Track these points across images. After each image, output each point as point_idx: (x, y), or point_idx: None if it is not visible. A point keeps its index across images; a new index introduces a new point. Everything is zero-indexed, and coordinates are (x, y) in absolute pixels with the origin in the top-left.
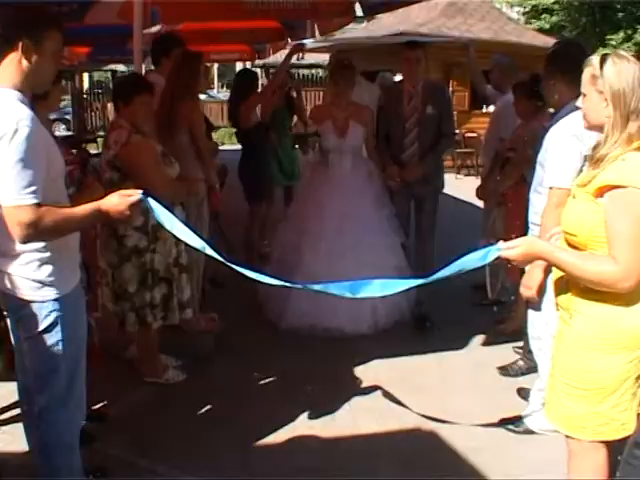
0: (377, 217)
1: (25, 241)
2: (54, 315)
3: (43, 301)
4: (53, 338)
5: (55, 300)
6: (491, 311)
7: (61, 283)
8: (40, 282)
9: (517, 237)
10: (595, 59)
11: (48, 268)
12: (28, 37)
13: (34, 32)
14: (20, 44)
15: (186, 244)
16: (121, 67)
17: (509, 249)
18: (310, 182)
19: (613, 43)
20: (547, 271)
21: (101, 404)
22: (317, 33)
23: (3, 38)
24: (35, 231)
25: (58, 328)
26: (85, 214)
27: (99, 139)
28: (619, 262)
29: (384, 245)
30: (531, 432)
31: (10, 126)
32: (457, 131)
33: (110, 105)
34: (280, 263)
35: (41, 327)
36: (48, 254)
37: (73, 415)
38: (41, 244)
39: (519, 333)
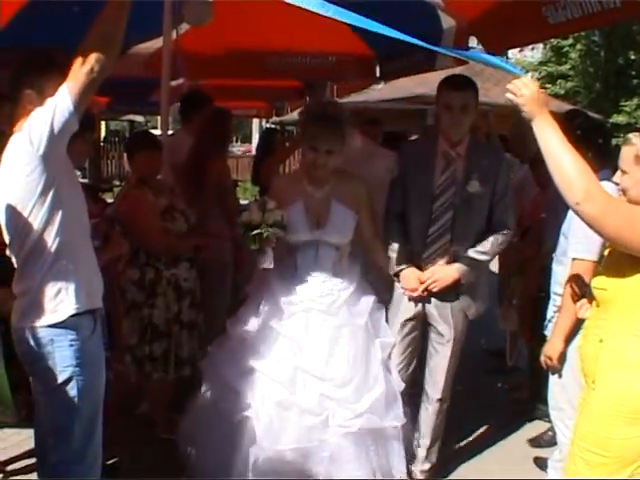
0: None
1: None
2: (70, 369)
3: (60, 351)
4: (69, 393)
5: (72, 352)
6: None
7: (80, 329)
8: (57, 328)
9: (534, 306)
10: (635, 138)
11: (66, 312)
12: (30, 87)
13: (36, 80)
14: (24, 93)
15: None
16: (139, 118)
17: (525, 85)
18: (257, 304)
19: (627, 109)
20: (568, 340)
21: (114, 459)
22: (335, 94)
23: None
24: None
25: (74, 383)
26: None
27: (115, 188)
28: (593, 195)
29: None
30: None
31: None
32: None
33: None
34: None
35: (58, 381)
36: (67, 297)
37: (89, 470)
38: (59, 286)
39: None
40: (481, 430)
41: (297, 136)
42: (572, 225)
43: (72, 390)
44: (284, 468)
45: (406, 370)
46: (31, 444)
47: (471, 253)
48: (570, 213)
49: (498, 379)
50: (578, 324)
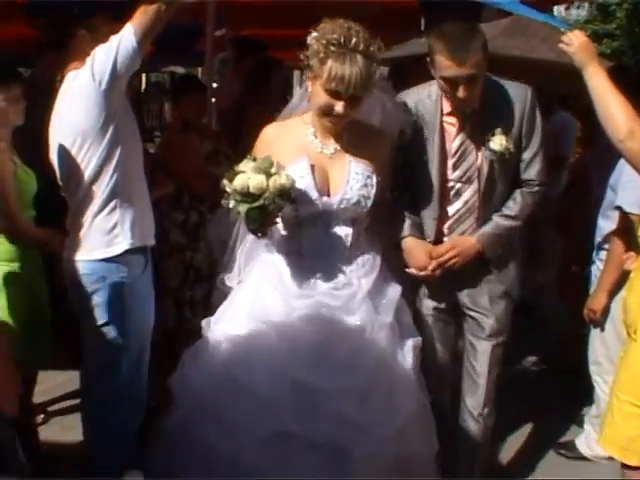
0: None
1: None
2: (119, 307)
3: (111, 287)
4: (118, 328)
5: (123, 288)
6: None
7: (132, 265)
8: (110, 263)
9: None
10: None
11: (120, 247)
12: (84, 27)
13: (90, 21)
14: (78, 34)
15: None
16: (180, 69)
17: (576, 36)
18: (245, 299)
19: None
20: (612, 294)
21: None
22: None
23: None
24: None
25: (123, 319)
26: None
27: (156, 139)
28: (636, 133)
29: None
30: (584, 458)
31: None
32: None
33: (167, 106)
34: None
35: (107, 317)
36: (118, 234)
37: (135, 407)
38: (114, 222)
39: None
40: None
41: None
42: (621, 178)
43: (121, 326)
44: None
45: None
46: (72, 386)
47: (497, 218)
48: (619, 166)
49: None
50: (623, 278)
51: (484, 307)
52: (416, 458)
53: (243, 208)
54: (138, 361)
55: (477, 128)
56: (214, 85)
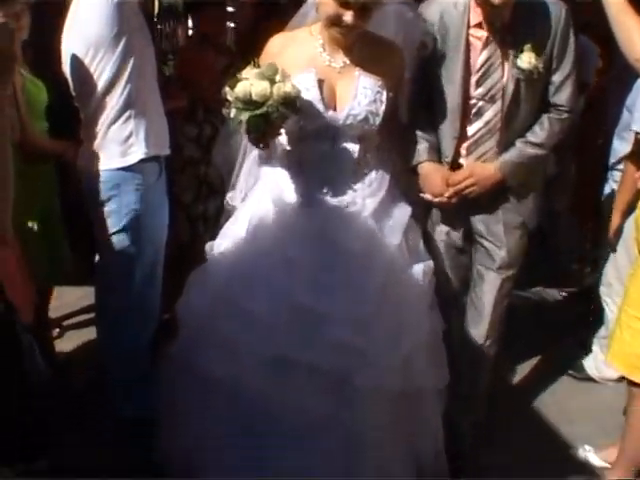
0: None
1: None
2: (134, 213)
3: (125, 195)
4: (132, 236)
5: (137, 196)
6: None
7: (146, 174)
8: (125, 171)
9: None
10: None
11: (135, 156)
12: None
13: None
14: None
15: None
16: None
17: None
18: (261, 213)
19: None
20: (625, 215)
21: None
22: None
23: None
24: None
25: (137, 227)
26: None
27: (170, 62)
28: None
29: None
30: (591, 379)
31: None
32: None
33: (180, 30)
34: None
35: (121, 225)
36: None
37: (147, 317)
38: (128, 131)
39: None
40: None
41: None
42: (637, 99)
43: (135, 234)
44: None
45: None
46: (87, 301)
47: (521, 145)
48: (636, 86)
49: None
50: (636, 199)
51: (498, 237)
52: (424, 390)
53: (244, 116)
54: (151, 273)
55: (505, 44)
56: (230, 9)
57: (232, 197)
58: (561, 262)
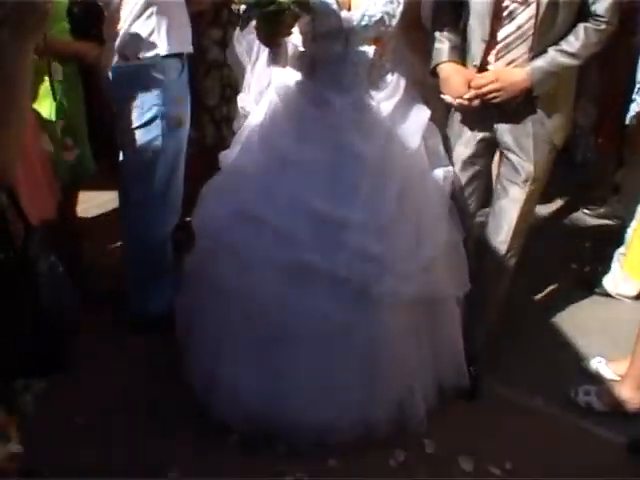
0: (420, 191)
1: None
2: (156, 109)
3: (147, 91)
4: (154, 131)
5: (159, 92)
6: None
7: (169, 70)
8: (147, 68)
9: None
10: None
11: (157, 53)
12: None
13: None
14: None
15: None
16: None
17: None
18: (273, 117)
19: None
20: None
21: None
22: None
23: None
24: None
25: (159, 122)
26: None
27: None
28: None
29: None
30: (609, 295)
31: None
32: None
33: None
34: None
35: (143, 120)
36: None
37: (169, 212)
38: (151, 28)
39: None
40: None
41: None
42: None
43: (157, 129)
44: (301, 352)
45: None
46: (113, 205)
47: (553, 53)
48: None
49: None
50: None
51: (525, 150)
52: (443, 298)
53: (255, 13)
54: (173, 168)
55: None
56: None
57: (243, 99)
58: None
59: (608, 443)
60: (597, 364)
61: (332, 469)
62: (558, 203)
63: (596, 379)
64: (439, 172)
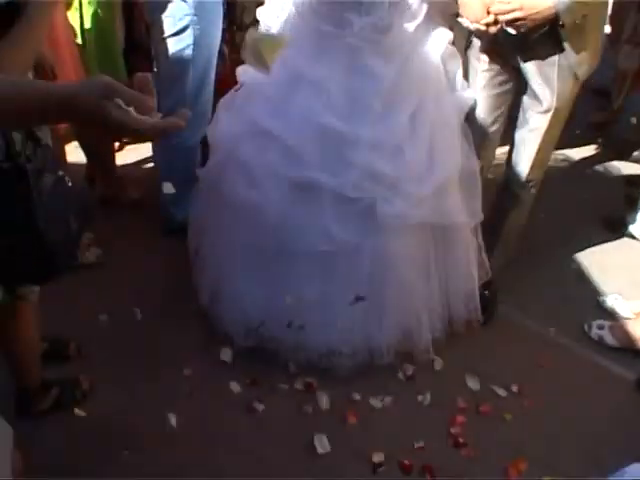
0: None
1: None
2: (189, 18)
3: (179, 2)
4: (186, 40)
5: (191, 1)
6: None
7: None
8: None
9: None
10: None
11: None
12: None
13: None
14: None
15: None
16: None
17: None
18: (292, 33)
19: None
20: None
21: None
22: None
23: None
24: None
25: (191, 31)
26: None
27: None
28: None
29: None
30: (633, 237)
31: None
32: None
33: None
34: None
35: (174, 29)
36: None
37: (196, 123)
38: None
39: None
40: None
41: None
42: None
43: (189, 38)
44: (305, 271)
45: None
46: None
47: None
48: None
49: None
50: None
51: (548, 79)
52: (455, 225)
53: None
54: (203, 77)
55: None
56: None
57: (264, 12)
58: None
59: (617, 377)
60: (613, 301)
61: (339, 378)
62: (592, 148)
63: (611, 315)
64: (456, 96)
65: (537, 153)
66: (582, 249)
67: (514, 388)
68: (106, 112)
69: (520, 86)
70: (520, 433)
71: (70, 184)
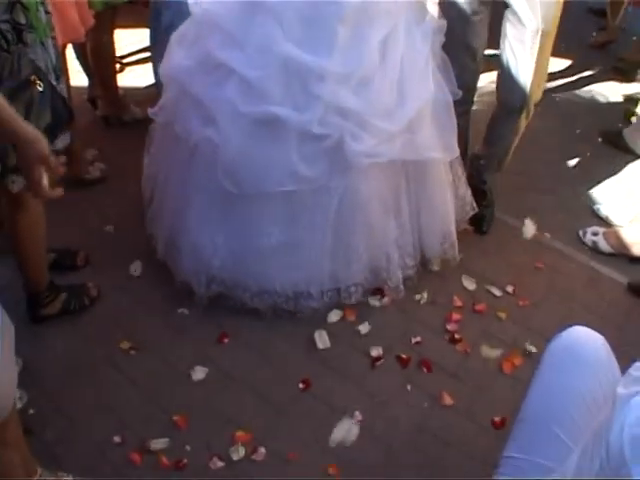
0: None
1: None
2: None
3: None
4: None
5: None
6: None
7: None
8: None
9: None
10: None
11: None
12: None
13: None
14: None
15: None
16: None
17: None
18: None
19: None
20: None
21: None
22: None
23: None
24: None
25: None
26: None
27: None
28: None
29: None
30: (627, 150)
31: None
32: None
33: None
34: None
35: None
36: None
37: None
38: None
39: None
40: None
41: None
42: None
43: None
44: (269, 213)
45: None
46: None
47: None
48: None
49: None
50: None
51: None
52: (428, 163)
53: None
54: None
55: None
56: None
57: None
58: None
59: (610, 281)
60: (608, 209)
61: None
62: (593, 69)
63: (605, 223)
64: (428, 25)
65: (532, 80)
66: (579, 160)
67: (509, 289)
68: (34, 169)
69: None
70: (514, 330)
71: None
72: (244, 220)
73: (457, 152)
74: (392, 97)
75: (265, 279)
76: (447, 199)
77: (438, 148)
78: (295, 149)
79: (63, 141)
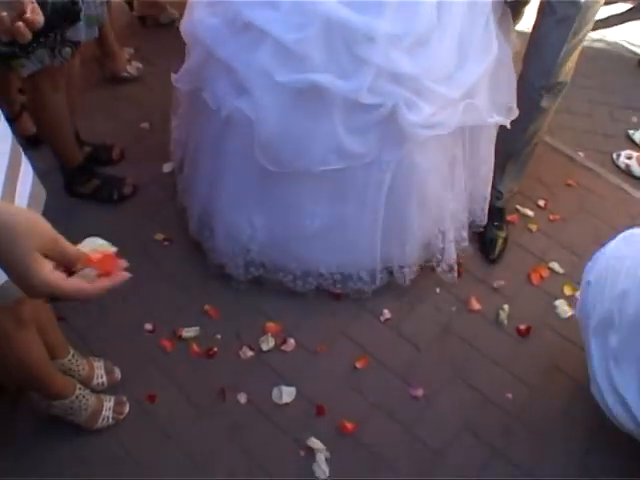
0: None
1: None
2: None
3: None
4: None
5: None
6: None
7: None
8: None
9: None
10: None
11: None
12: None
13: None
14: None
15: None
16: None
17: None
18: None
19: None
20: None
21: None
22: None
23: None
24: None
25: None
26: None
27: None
28: None
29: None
30: None
31: None
32: None
33: None
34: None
35: None
36: None
37: None
38: None
39: None
40: None
41: None
42: None
43: None
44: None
45: None
46: None
47: None
48: None
49: None
50: None
51: None
52: (484, 126)
53: None
54: None
55: None
56: None
57: None
58: None
59: None
60: (627, 160)
61: None
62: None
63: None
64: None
65: (561, 60)
66: (614, 86)
67: (541, 203)
68: (36, 266)
69: None
70: (543, 243)
71: None
72: (285, 200)
73: (517, 112)
74: (452, 60)
75: (308, 261)
76: (491, 160)
77: (500, 110)
78: (341, 122)
79: (88, 35)
